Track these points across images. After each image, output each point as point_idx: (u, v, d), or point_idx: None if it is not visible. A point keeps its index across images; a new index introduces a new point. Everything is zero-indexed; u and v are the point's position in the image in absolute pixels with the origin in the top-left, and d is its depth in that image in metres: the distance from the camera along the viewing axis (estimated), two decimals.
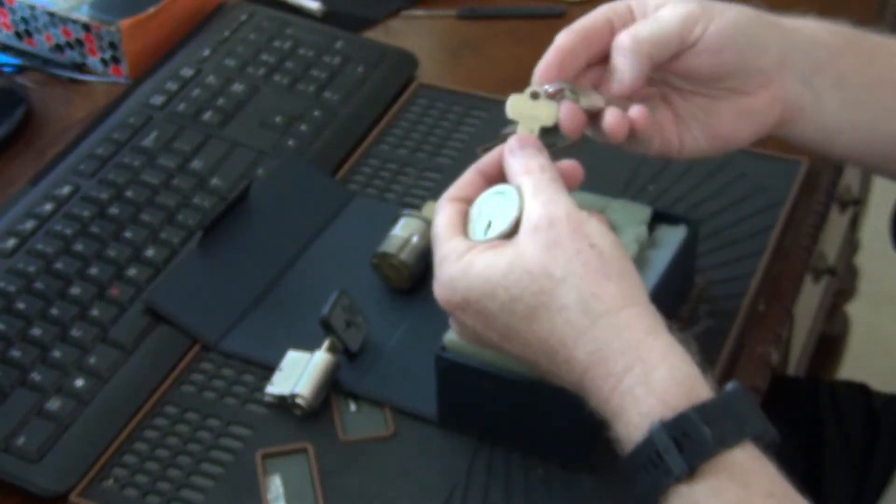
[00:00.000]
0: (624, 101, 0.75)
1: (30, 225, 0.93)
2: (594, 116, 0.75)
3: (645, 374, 0.62)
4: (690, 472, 0.60)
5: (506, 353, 0.70)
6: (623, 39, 0.74)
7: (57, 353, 0.84)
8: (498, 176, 0.72)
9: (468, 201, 0.72)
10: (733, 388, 0.63)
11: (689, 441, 0.60)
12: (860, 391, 1.11)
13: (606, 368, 0.63)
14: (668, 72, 0.77)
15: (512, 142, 0.72)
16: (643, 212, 0.84)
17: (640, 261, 0.81)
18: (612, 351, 0.63)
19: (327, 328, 0.82)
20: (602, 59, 0.76)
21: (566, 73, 0.74)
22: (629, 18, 0.76)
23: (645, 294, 0.66)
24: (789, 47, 0.78)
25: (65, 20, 1.11)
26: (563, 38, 0.74)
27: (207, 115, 1.03)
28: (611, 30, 0.75)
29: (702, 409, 0.61)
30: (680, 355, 0.64)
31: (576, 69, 0.75)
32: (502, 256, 0.66)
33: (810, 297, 1.40)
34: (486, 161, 0.73)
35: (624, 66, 0.74)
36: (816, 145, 0.82)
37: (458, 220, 0.71)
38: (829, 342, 1.75)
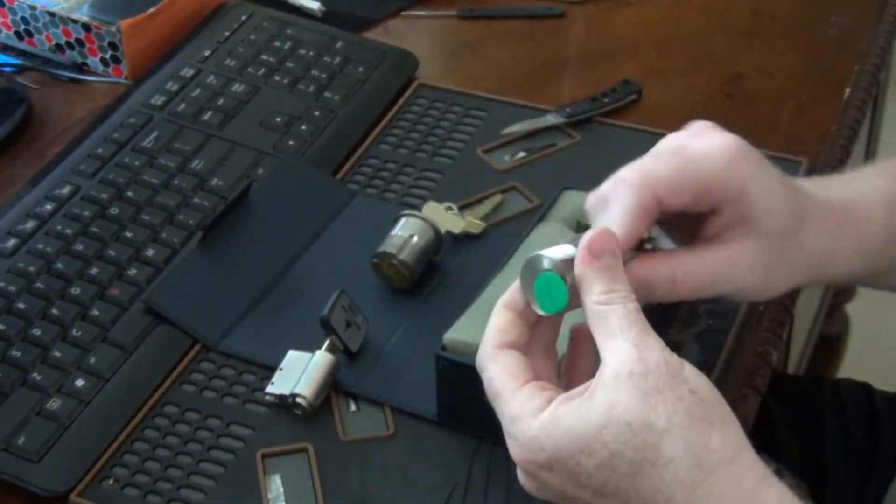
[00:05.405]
0: None
1: (30, 225, 0.93)
2: None
3: None
4: None
5: None
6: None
7: (57, 353, 0.84)
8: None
9: (517, 347, 0.65)
10: None
11: None
12: (862, 389, 1.11)
13: None
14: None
15: (588, 247, 0.63)
16: None
17: None
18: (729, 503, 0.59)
19: (327, 328, 0.82)
20: None
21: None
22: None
23: (745, 437, 0.60)
24: (794, 259, 0.70)
25: (65, 20, 1.11)
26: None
27: (207, 115, 1.03)
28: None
29: None
30: (791, 500, 0.60)
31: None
32: (595, 407, 0.59)
33: (810, 297, 1.40)
34: (512, 296, 0.65)
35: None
36: None
37: (519, 369, 0.63)
38: (829, 342, 1.74)
